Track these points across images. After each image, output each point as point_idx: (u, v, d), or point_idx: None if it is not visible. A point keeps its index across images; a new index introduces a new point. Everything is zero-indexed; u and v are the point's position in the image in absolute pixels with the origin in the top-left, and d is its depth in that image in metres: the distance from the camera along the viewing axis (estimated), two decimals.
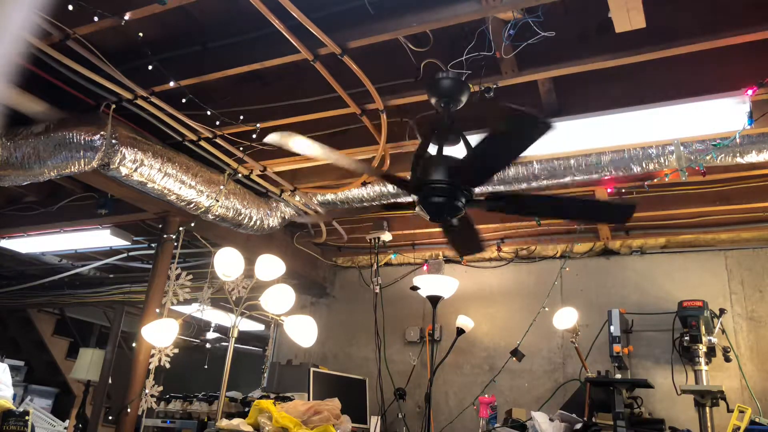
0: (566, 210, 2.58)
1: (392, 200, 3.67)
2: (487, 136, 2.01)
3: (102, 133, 2.88)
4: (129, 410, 3.42)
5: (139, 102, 2.94)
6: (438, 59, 2.57)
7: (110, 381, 5.80)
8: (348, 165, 2.38)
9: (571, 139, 2.93)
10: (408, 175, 2.45)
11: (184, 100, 2.94)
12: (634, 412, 3.20)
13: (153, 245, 4.66)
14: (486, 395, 3.84)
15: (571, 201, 2.42)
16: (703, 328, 3.45)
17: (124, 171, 3.01)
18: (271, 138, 2.02)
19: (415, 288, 4.04)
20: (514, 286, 4.58)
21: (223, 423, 3.15)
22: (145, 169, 3.08)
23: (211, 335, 6.18)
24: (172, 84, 2.80)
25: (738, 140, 2.72)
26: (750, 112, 2.50)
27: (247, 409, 3.56)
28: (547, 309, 4.21)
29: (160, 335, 3.26)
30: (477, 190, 2.46)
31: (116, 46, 2.73)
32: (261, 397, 3.78)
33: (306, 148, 2.13)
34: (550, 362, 4.26)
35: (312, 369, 4.19)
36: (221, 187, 3.47)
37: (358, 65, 2.57)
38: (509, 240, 4.44)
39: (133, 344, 3.58)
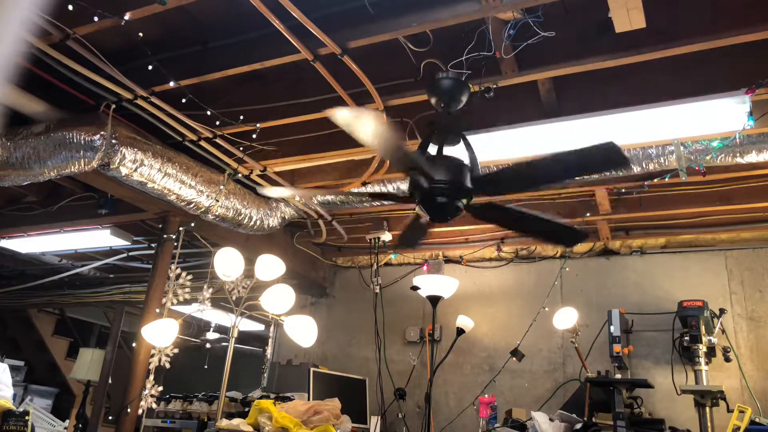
0: (524, 224, 2.64)
1: (393, 201, 3.66)
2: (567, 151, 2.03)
3: (102, 133, 2.88)
4: (129, 410, 3.42)
5: (139, 102, 2.95)
6: (438, 59, 2.57)
7: (110, 381, 5.80)
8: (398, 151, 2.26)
9: (571, 139, 2.93)
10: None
11: (184, 100, 2.94)
12: (634, 412, 3.20)
13: (153, 245, 4.66)
14: (486, 395, 3.84)
15: (529, 217, 2.49)
16: (703, 328, 3.45)
17: (124, 171, 3.01)
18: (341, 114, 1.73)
19: (415, 288, 4.04)
20: (514, 286, 4.58)
21: (223, 423, 3.15)
22: (145, 169, 3.08)
23: (211, 335, 6.18)
24: (172, 84, 2.80)
25: (738, 140, 2.72)
26: (750, 112, 2.50)
27: (247, 409, 3.56)
28: (547, 309, 4.21)
29: (160, 335, 3.26)
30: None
31: (116, 46, 2.73)
32: (261, 397, 3.78)
33: (371, 127, 1.83)
34: (550, 362, 4.26)
35: (312, 369, 4.19)
36: (221, 187, 3.47)
37: (358, 65, 2.57)
38: (509, 240, 4.43)
39: (133, 344, 3.58)
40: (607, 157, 2.03)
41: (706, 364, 3.45)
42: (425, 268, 4.83)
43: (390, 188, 3.55)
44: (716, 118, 2.62)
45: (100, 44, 2.65)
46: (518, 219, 2.54)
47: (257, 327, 6.84)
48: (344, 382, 4.40)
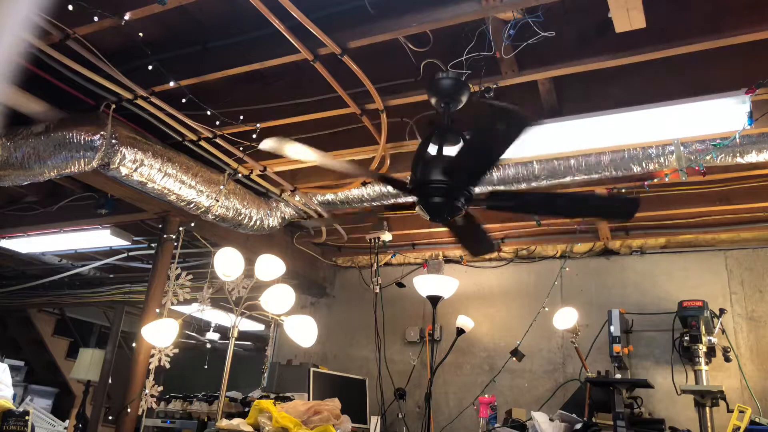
0: (570, 207, 2.56)
1: (393, 200, 3.66)
2: (469, 137, 2.02)
3: (102, 133, 2.88)
4: (129, 410, 3.42)
5: (139, 102, 2.94)
6: (438, 59, 2.57)
7: (110, 381, 5.80)
8: (343, 169, 2.38)
9: (571, 139, 2.93)
10: (407, 175, 2.45)
11: (184, 100, 2.94)
12: (634, 412, 3.20)
13: (153, 245, 4.66)
14: (486, 395, 3.84)
15: (575, 198, 2.40)
16: (703, 328, 3.45)
17: (124, 171, 3.01)
18: (267, 144, 2.08)
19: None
20: (514, 286, 4.58)
21: (223, 423, 3.15)
22: (145, 169, 3.08)
23: (211, 335, 6.18)
24: (172, 84, 2.80)
25: (738, 140, 2.72)
26: (750, 112, 2.50)
27: (247, 409, 3.56)
28: (547, 309, 4.21)
29: (160, 335, 3.26)
30: (477, 190, 2.45)
31: (116, 46, 2.73)
32: (261, 397, 3.78)
33: (301, 153, 2.18)
34: (550, 362, 4.26)
35: (312, 369, 4.19)
36: (221, 187, 3.47)
37: (358, 65, 2.57)
38: (509, 240, 4.44)
39: (133, 344, 3.58)
40: (626, 209, 2.01)
41: (706, 364, 3.45)
42: (425, 268, 4.84)
43: (390, 188, 3.55)
44: (716, 118, 2.62)
45: (100, 44, 2.65)
46: (565, 203, 2.45)
47: (257, 327, 6.84)
48: (344, 382, 4.40)
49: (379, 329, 4.62)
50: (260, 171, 3.60)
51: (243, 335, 7.52)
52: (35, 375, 7.97)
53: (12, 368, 4.89)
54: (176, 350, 3.62)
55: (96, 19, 2.41)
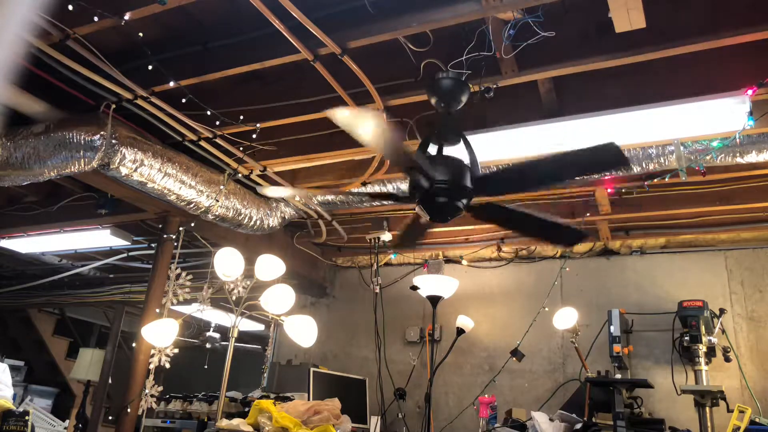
0: (525, 224, 2.62)
1: (392, 201, 3.66)
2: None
3: (102, 133, 2.88)
4: (129, 410, 3.42)
5: (139, 102, 2.95)
6: (438, 59, 2.57)
7: (110, 381, 5.80)
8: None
9: (571, 139, 2.93)
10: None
11: (184, 100, 2.94)
12: (634, 412, 3.20)
13: (153, 245, 4.66)
14: (486, 395, 3.84)
15: (530, 217, 2.47)
16: (703, 328, 3.45)
17: (124, 171, 3.01)
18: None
19: (414, 288, 4.04)
20: (514, 286, 4.58)
21: (223, 423, 3.15)
22: (145, 169, 3.08)
23: (211, 335, 6.18)
24: (172, 84, 2.80)
25: (738, 140, 2.72)
26: (750, 112, 2.50)
27: (247, 409, 3.56)
28: (547, 309, 4.21)
29: (160, 335, 3.27)
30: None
31: (116, 46, 2.73)
32: (261, 397, 3.78)
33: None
34: (550, 362, 4.26)
35: (312, 369, 4.19)
36: (221, 187, 3.47)
37: (358, 65, 2.57)
38: (509, 240, 4.43)
39: (133, 344, 3.58)
40: (608, 157, 2.01)
41: (706, 364, 3.45)
42: (425, 268, 4.83)
43: (390, 188, 3.55)
44: (716, 118, 2.61)
45: (100, 44, 2.65)
46: (519, 219, 2.52)
47: (257, 327, 6.84)
48: (344, 382, 4.40)
49: (379, 329, 4.62)
50: (260, 171, 3.61)
51: (243, 335, 7.52)
52: (35, 375, 7.97)
53: (12, 368, 4.89)
54: (176, 350, 3.62)
55: (96, 19, 2.41)
